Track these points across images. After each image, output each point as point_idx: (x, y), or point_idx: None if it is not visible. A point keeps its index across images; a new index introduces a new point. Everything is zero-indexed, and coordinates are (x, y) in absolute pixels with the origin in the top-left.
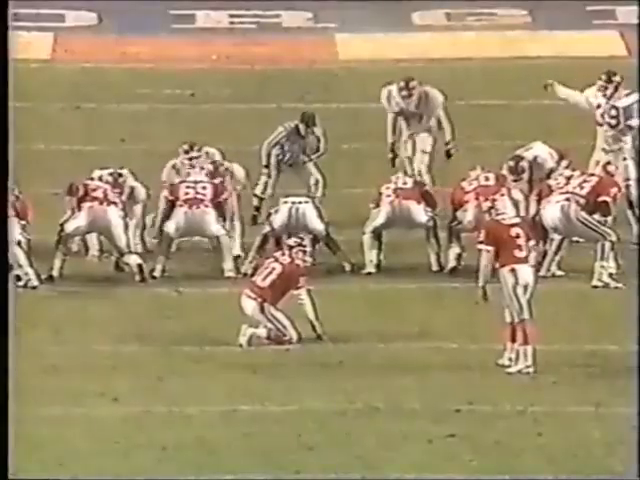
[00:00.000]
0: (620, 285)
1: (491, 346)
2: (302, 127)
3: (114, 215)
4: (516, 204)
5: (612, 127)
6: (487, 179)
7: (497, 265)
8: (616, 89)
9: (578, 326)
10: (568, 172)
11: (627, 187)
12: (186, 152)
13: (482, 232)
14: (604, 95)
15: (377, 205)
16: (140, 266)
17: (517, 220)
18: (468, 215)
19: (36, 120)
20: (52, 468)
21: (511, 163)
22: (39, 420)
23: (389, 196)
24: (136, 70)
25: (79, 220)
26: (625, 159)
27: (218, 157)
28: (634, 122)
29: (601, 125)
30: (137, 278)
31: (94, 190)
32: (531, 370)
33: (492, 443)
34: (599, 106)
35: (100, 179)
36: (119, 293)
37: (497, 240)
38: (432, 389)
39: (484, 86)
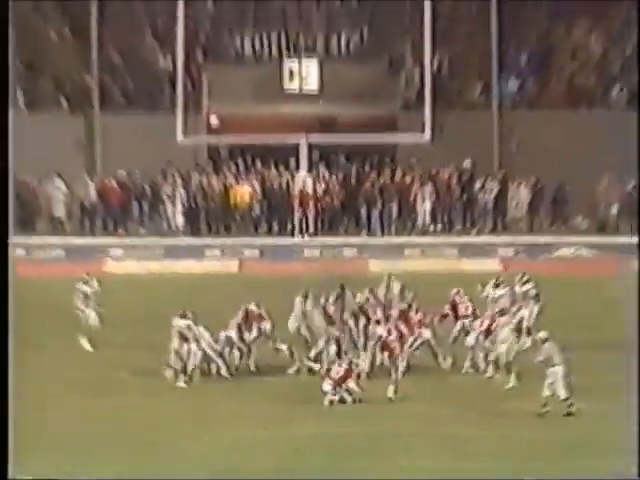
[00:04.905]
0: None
1: None
2: (339, 291)
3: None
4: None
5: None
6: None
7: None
8: (497, 286)
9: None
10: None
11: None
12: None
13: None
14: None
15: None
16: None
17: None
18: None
19: (226, 307)
20: None
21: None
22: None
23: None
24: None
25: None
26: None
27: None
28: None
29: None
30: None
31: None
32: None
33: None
34: (487, 296)
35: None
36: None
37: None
38: None
39: (437, 281)
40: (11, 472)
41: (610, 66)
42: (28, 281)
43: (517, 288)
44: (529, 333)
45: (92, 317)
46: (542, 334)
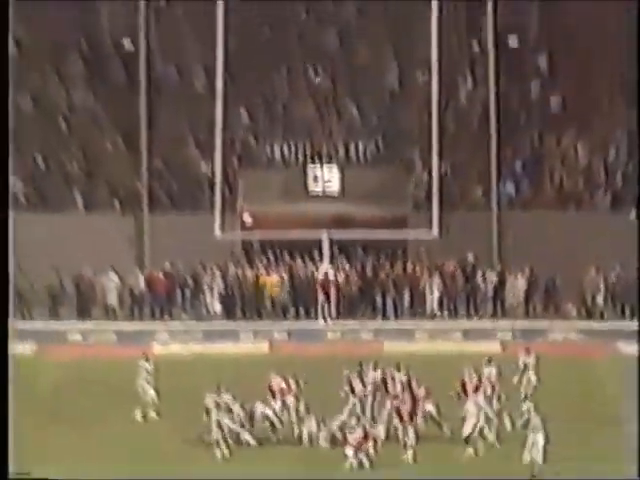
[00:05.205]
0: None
1: None
2: (359, 368)
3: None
4: None
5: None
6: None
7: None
8: (489, 362)
9: None
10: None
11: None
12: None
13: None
14: (487, 366)
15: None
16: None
17: None
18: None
19: (258, 383)
20: None
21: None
22: None
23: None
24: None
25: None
26: None
27: None
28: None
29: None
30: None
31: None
32: None
33: None
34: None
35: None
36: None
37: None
38: None
39: (443, 360)
40: (11, 472)
41: (595, 173)
42: (83, 362)
43: (520, 361)
44: (525, 400)
45: (151, 392)
46: (527, 404)
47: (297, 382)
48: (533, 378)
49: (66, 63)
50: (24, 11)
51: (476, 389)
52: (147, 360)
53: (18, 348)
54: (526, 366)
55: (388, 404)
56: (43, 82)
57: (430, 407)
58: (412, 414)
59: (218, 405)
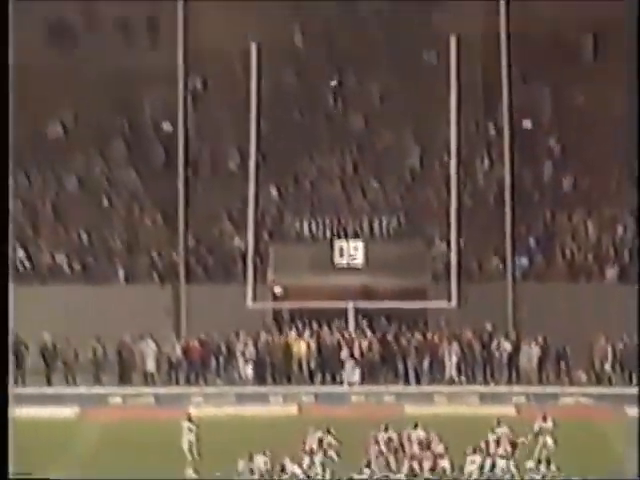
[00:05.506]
0: None
1: None
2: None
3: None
4: None
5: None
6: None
7: None
8: (498, 424)
9: None
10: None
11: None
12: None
13: None
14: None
15: None
16: None
17: None
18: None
19: (288, 443)
20: None
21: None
22: None
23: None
24: None
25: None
26: None
27: None
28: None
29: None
30: None
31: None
32: None
33: None
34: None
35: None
36: None
37: None
38: None
39: (461, 422)
40: (11, 472)
41: (603, 248)
42: (123, 424)
43: (536, 426)
44: (548, 463)
45: (194, 450)
46: (530, 463)
47: (333, 436)
48: (550, 442)
49: (109, 145)
50: (69, 97)
51: (475, 450)
52: (190, 420)
53: (61, 412)
54: (541, 430)
55: (406, 462)
56: (87, 163)
57: (445, 464)
58: (432, 470)
59: (251, 470)
